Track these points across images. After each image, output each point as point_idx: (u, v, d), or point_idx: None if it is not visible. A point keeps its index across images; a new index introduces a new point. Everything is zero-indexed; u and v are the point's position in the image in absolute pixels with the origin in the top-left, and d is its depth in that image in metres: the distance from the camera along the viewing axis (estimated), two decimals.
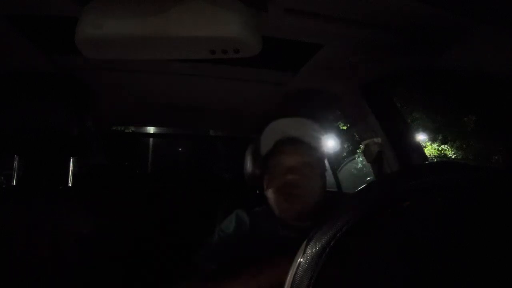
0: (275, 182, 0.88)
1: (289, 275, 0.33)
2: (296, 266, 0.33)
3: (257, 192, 1.31)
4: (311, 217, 0.86)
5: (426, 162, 1.28)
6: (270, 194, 0.91)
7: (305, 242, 0.34)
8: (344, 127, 7.71)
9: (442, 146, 7.82)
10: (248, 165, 1.17)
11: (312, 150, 0.91)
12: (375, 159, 1.26)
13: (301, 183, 0.86)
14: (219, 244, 0.88)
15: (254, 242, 0.86)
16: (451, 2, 0.72)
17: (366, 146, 1.29)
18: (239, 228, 0.90)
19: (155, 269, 1.53)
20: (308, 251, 0.33)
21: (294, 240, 0.43)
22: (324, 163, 0.96)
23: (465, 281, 0.29)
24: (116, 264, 1.07)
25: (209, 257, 0.85)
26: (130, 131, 3.95)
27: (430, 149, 7.78)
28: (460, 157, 7.56)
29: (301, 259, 0.33)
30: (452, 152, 7.72)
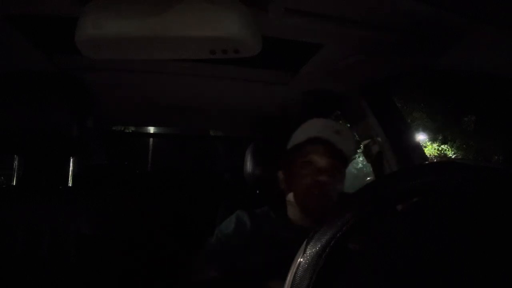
0: (303, 180, 0.88)
1: (289, 275, 0.33)
2: (296, 266, 0.33)
3: (257, 192, 1.31)
4: (318, 219, 0.86)
5: (427, 162, 1.28)
6: (290, 189, 0.91)
7: (305, 242, 0.34)
8: None
9: (442, 146, 7.82)
10: (250, 164, 1.17)
11: (342, 158, 0.91)
12: (375, 159, 1.26)
13: (331, 187, 0.86)
14: (218, 245, 0.88)
15: (255, 243, 0.86)
16: (451, 2, 0.72)
17: (366, 146, 1.30)
18: (238, 229, 0.90)
19: (155, 269, 1.53)
20: (308, 251, 0.33)
21: (296, 241, 0.43)
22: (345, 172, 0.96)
23: (466, 281, 0.29)
24: (116, 264, 1.07)
25: (208, 258, 0.85)
26: (130, 131, 3.95)
27: (430, 149, 7.78)
28: (460, 157, 7.56)
29: (301, 259, 0.33)
30: (452, 152, 7.72)
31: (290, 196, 0.92)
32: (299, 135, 0.93)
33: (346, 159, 0.92)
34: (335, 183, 0.88)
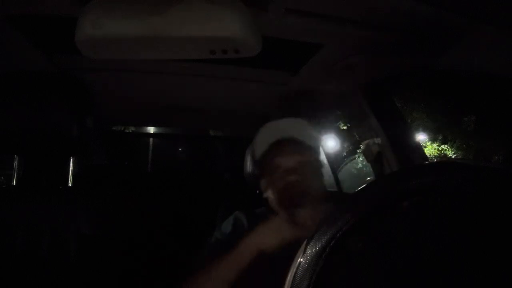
0: (276, 184, 0.88)
1: (289, 275, 0.33)
2: (296, 266, 0.33)
3: (258, 192, 1.31)
4: (312, 217, 0.86)
5: (427, 162, 1.28)
6: (271, 197, 0.91)
7: (305, 242, 0.34)
8: (344, 127, 7.71)
9: (442, 146, 7.81)
10: (248, 165, 1.17)
11: (308, 149, 0.91)
12: (375, 159, 1.26)
13: (303, 183, 0.86)
14: (216, 245, 0.88)
15: None
16: (451, 2, 0.72)
17: (366, 146, 1.29)
18: (235, 229, 0.90)
19: (155, 269, 1.53)
20: (308, 251, 0.33)
21: (295, 241, 0.43)
22: (321, 161, 0.96)
23: (466, 281, 0.29)
24: (116, 264, 1.07)
25: (207, 259, 0.85)
26: (130, 131, 3.94)
27: (430, 149, 7.77)
28: (460, 157, 7.55)
29: (301, 259, 0.33)
30: (452, 152, 7.72)
31: (272, 202, 0.92)
32: (261, 147, 0.93)
33: (311, 147, 0.91)
34: (308, 177, 0.87)
